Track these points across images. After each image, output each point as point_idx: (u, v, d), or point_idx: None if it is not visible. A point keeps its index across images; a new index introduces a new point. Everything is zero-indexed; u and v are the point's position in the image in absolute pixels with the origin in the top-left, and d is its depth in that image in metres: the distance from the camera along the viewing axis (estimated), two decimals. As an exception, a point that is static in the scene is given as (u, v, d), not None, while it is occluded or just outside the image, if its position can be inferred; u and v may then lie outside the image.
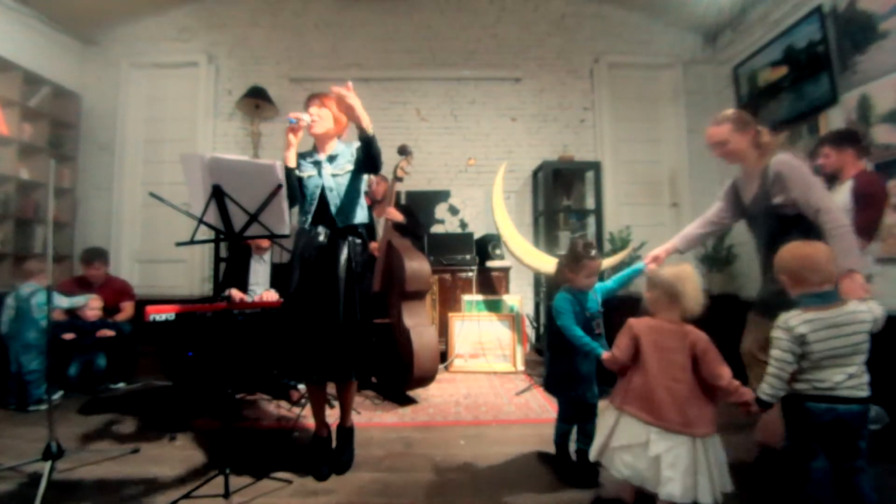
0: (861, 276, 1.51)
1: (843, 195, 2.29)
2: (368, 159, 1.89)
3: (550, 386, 2.02)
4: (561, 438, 1.94)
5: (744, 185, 1.91)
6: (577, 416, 1.89)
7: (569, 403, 1.90)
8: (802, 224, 1.68)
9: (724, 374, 1.38)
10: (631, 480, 1.42)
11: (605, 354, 1.63)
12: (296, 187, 1.91)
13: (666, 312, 1.48)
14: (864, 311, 1.36)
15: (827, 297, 1.37)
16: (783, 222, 1.72)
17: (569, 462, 1.90)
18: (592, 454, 1.56)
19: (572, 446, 1.92)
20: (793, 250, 1.45)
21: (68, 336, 2.88)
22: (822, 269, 1.38)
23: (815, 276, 1.38)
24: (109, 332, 3.03)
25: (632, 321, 1.52)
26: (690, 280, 1.46)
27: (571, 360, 1.84)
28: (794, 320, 1.35)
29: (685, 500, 1.30)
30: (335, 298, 1.85)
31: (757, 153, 1.81)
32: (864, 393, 1.36)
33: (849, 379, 1.34)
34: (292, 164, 1.89)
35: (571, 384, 1.86)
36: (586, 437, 1.81)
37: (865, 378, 1.36)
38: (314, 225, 1.92)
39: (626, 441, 1.43)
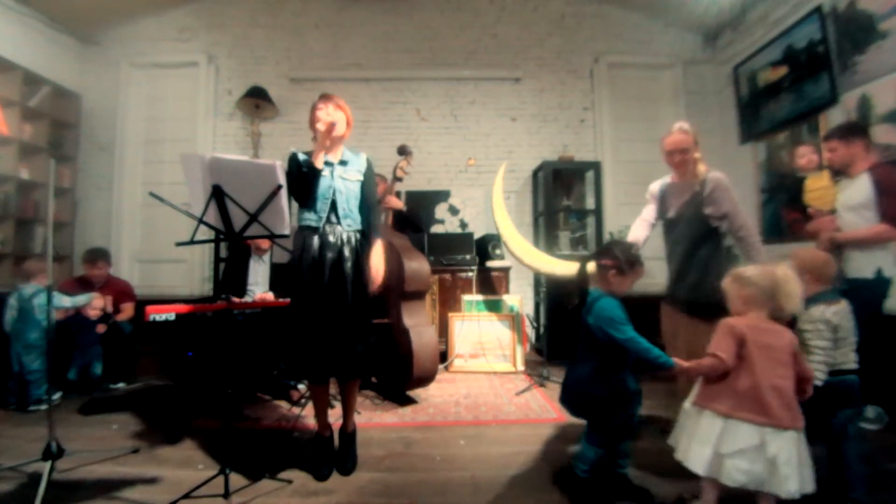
0: None
1: (859, 188, 2.25)
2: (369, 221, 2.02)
3: (590, 409, 1.70)
4: (592, 466, 1.69)
5: (673, 193, 2.15)
6: (618, 439, 1.70)
7: (615, 427, 1.67)
8: (717, 233, 2.05)
9: (809, 367, 1.50)
10: (747, 486, 1.36)
11: (681, 363, 1.52)
12: (316, 188, 1.90)
13: (757, 311, 1.48)
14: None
15: (837, 292, 1.68)
16: (706, 230, 2.03)
17: (602, 490, 1.69)
18: (703, 468, 1.42)
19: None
20: (815, 254, 1.78)
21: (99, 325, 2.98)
22: (834, 271, 1.71)
23: (832, 275, 1.69)
24: (101, 327, 3.04)
25: (731, 321, 1.49)
26: (793, 280, 1.47)
27: (622, 378, 1.65)
28: (828, 314, 1.60)
29: (801, 493, 1.33)
30: (345, 297, 1.86)
31: (693, 168, 2.09)
32: (857, 364, 1.64)
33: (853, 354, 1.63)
34: (321, 165, 1.89)
35: (623, 405, 1.65)
36: (625, 457, 1.72)
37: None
38: (323, 225, 1.92)
39: (739, 446, 1.37)
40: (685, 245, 2.06)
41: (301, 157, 1.93)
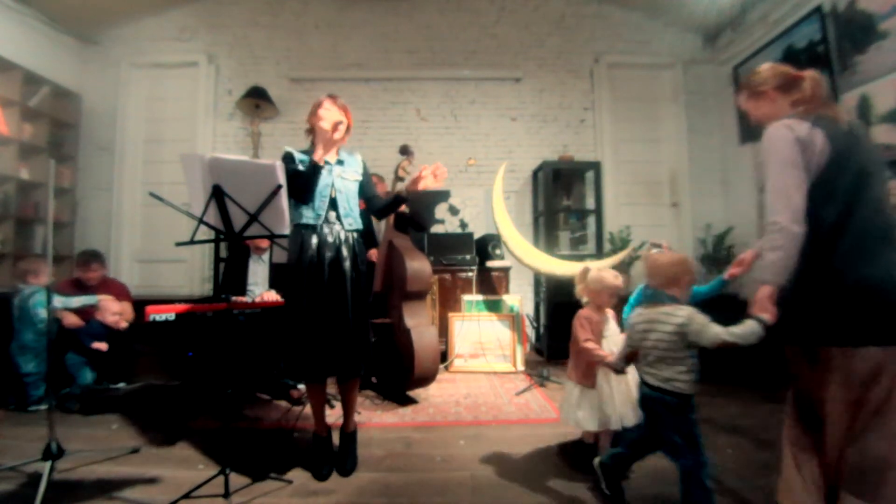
0: None
1: None
2: (388, 212, 2.23)
3: None
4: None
5: None
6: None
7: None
8: None
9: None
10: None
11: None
12: (315, 185, 1.90)
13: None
14: None
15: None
16: None
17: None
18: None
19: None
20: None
21: (101, 346, 2.81)
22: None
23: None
24: (102, 345, 2.87)
25: None
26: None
27: None
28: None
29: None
30: (344, 296, 1.86)
31: None
32: None
33: None
34: (322, 162, 1.89)
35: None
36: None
37: None
38: (322, 223, 1.92)
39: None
40: None
41: (297, 155, 1.93)
